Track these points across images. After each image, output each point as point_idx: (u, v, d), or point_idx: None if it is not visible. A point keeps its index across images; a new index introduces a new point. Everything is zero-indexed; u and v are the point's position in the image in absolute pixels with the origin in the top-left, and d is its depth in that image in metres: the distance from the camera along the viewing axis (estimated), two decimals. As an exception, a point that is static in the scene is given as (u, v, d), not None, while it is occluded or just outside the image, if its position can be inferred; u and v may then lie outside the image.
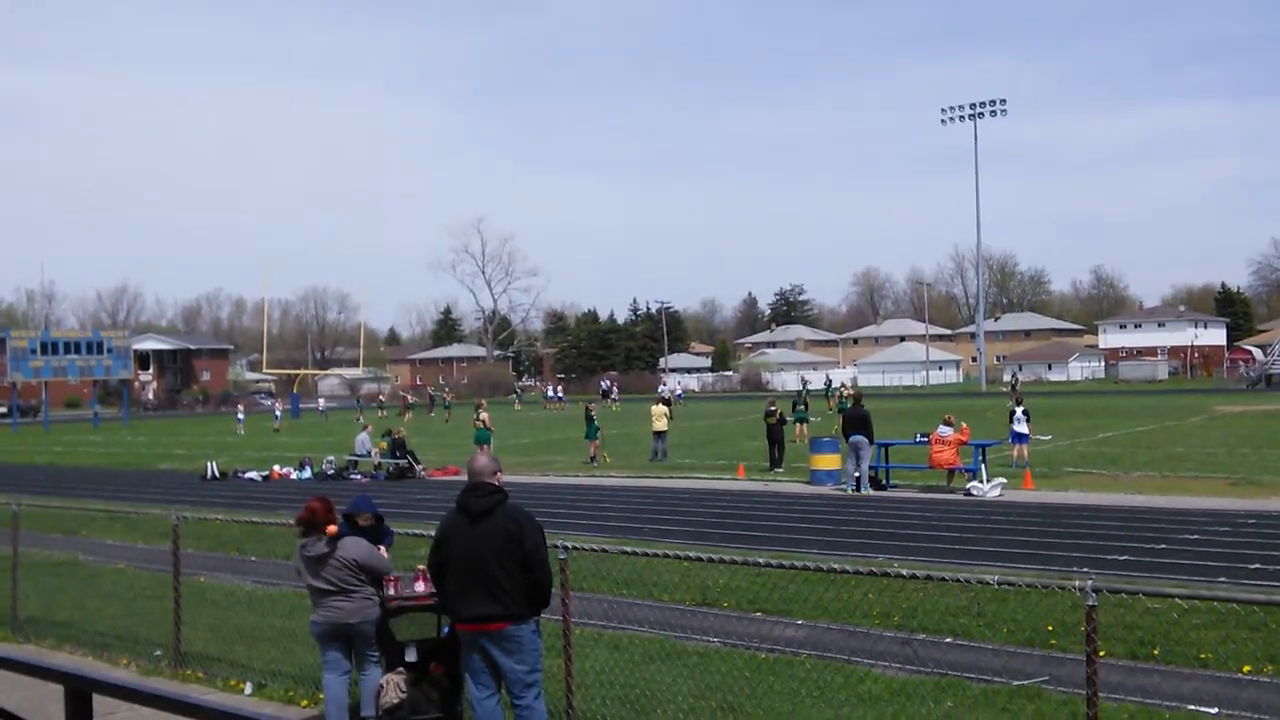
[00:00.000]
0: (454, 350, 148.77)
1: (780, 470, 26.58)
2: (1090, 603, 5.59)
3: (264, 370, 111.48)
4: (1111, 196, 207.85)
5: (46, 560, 16.16)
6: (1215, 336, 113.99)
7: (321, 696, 8.04)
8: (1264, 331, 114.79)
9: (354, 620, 7.66)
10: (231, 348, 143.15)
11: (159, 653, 10.31)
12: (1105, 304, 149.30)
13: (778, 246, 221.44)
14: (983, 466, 21.47)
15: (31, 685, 5.32)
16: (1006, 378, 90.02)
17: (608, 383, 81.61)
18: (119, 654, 10.52)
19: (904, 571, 6.65)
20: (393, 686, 7.57)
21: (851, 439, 22.41)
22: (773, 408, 28.22)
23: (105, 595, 13.58)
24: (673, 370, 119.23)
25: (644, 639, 10.31)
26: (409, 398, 77.60)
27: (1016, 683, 8.62)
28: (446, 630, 7.49)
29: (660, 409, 31.47)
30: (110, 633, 11.28)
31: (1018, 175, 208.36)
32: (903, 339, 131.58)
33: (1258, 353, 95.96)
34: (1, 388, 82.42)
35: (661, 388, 71.48)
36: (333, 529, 7.76)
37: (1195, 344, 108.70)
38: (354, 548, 7.75)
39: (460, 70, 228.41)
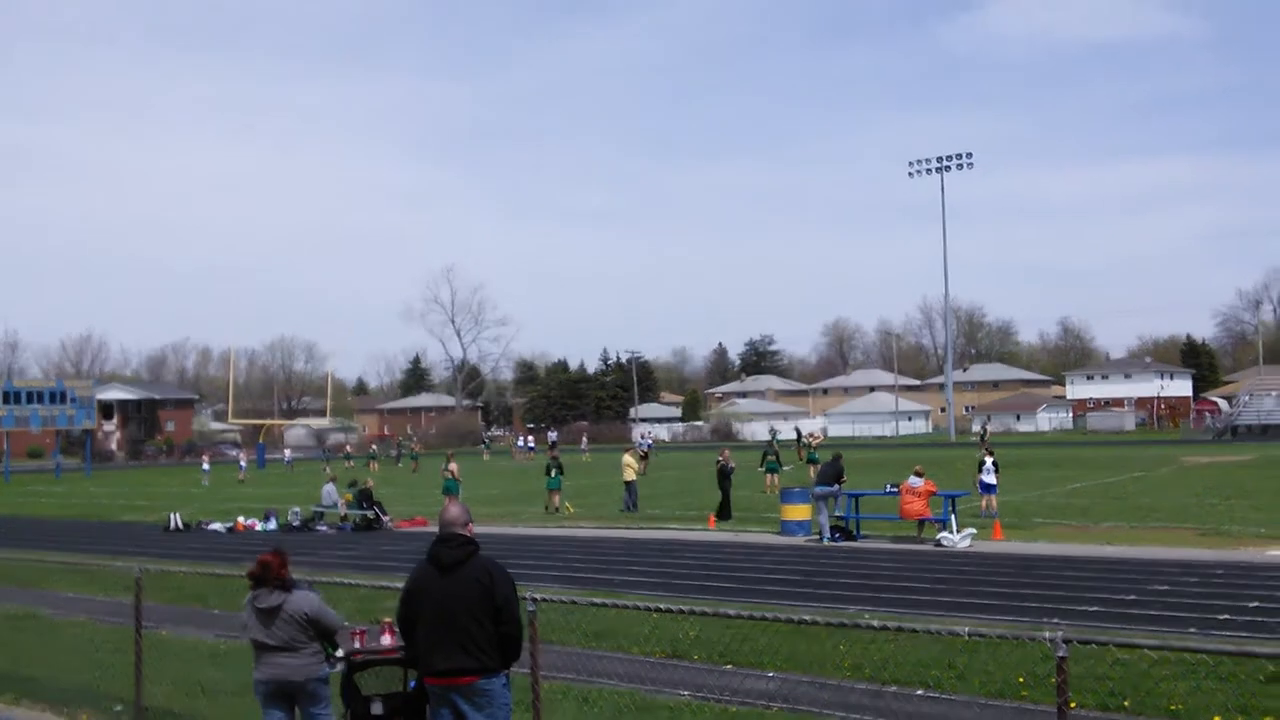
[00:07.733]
0: (423, 400, 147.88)
1: (728, 521, 26.32)
2: (1061, 654, 5.54)
3: (230, 420, 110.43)
4: (1078, 249, 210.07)
5: (4, 614, 15.88)
6: (1181, 387, 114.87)
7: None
8: (1229, 383, 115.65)
9: (299, 678, 7.37)
10: (197, 398, 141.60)
11: (120, 708, 10.11)
12: (1072, 355, 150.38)
13: (748, 296, 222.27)
14: (953, 517, 21.51)
15: (-12, 742, 5.24)
16: (976, 428, 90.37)
17: (555, 434, 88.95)
18: (79, 709, 10.31)
19: (875, 623, 6.61)
20: (358, 742, 7.43)
21: (820, 489, 22.82)
22: (720, 458, 28.25)
23: (66, 649, 13.30)
24: (643, 420, 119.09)
25: (614, 692, 10.20)
26: (376, 448, 77.09)
27: (989, 735, 8.57)
28: (413, 684, 7.38)
29: (629, 459, 31.46)
30: (71, 687, 11.04)
31: (985, 227, 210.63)
32: (872, 389, 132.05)
33: (1224, 404, 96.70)
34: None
35: (639, 440, 71.58)
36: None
37: (1162, 395, 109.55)
38: (303, 601, 7.45)
39: (431, 119, 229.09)
